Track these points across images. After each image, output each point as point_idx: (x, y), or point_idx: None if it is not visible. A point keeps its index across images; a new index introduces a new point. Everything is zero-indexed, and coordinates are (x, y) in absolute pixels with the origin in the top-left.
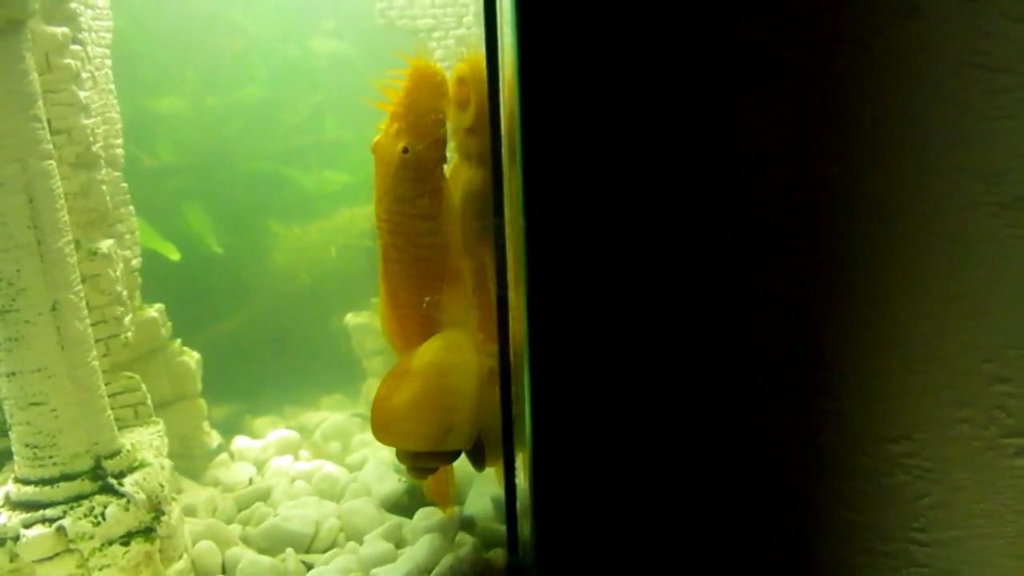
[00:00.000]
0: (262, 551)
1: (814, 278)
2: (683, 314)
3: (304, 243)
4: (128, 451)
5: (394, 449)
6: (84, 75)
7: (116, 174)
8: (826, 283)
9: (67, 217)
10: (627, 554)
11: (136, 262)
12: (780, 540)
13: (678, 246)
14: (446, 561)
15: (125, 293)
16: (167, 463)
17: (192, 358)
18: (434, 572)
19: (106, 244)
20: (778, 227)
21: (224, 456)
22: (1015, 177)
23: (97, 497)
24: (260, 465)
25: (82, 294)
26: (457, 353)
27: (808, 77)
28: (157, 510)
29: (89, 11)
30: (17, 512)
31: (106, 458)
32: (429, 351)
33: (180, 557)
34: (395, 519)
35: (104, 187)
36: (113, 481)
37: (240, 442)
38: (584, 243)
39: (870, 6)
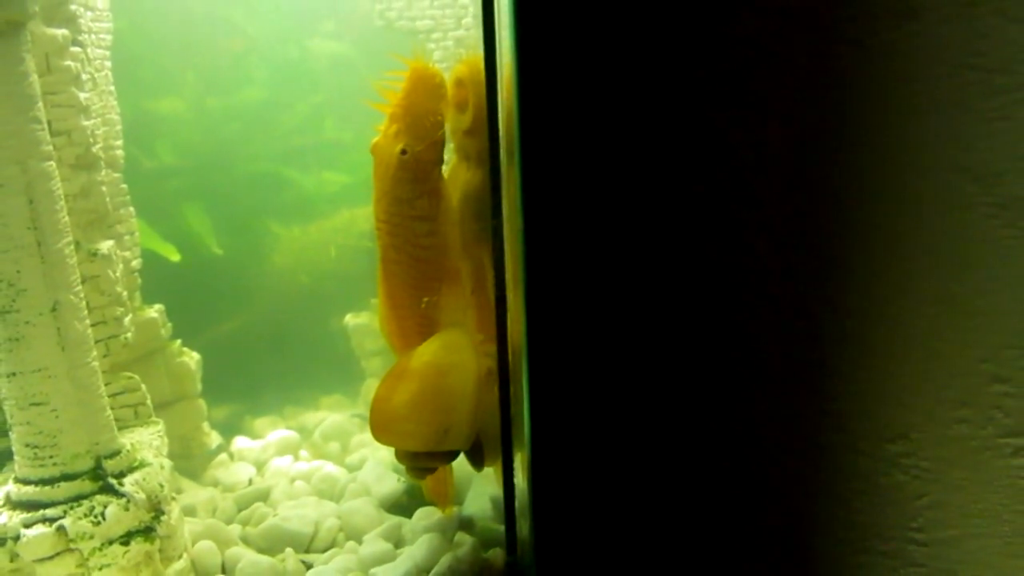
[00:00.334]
0: (262, 551)
1: (812, 279)
2: (681, 314)
3: (304, 244)
4: (128, 451)
5: (393, 449)
6: (84, 77)
7: (116, 175)
8: (824, 284)
9: (67, 218)
10: (625, 553)
11: (136, 263)
12: (778, 539)
13: (676, 247)
14: (445, 561)
15: (125, 294)
16: (167, 463)
17: (192, 359)
18: (433, 572)
19: (106, 245)
20: (776, 227)
21: (224, 456)
22: (1012, 178)
23: (97, 497)
24: (260, 465)
25: (82, 295)
26: (455, 353)
27: (806, 78)
28: (157, 510)
29: (89, 13)
30: (18, 512)
31: (106, 458)
32: (428, 352)
33: (180, 557)
34: (394, 519)
35: (104, 188)
36: (113, 481)
37: (240, 442)
38: (582, 244)
39: (868, 7)
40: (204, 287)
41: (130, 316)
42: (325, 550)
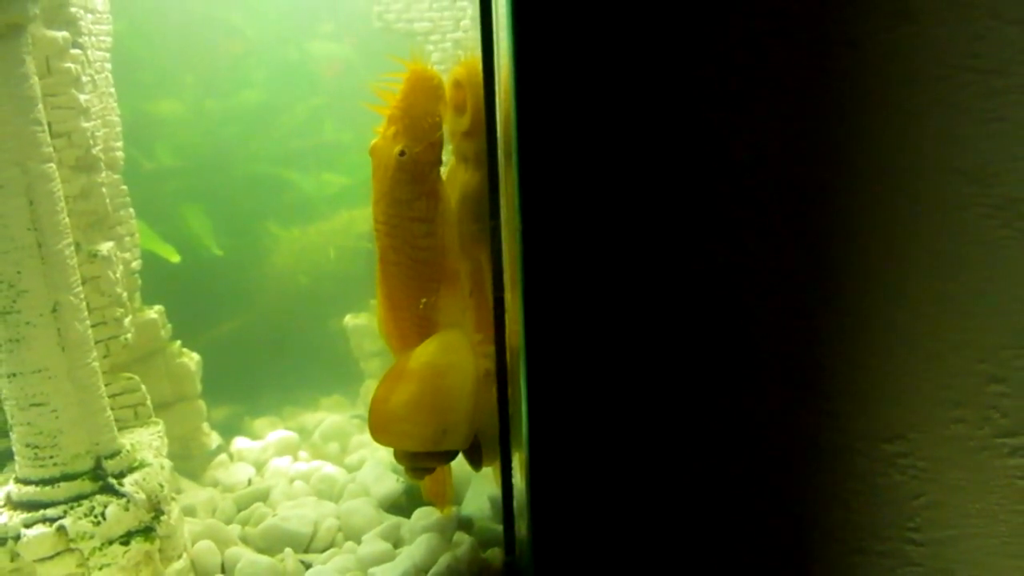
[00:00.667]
0: (261, 551)
1: (809, 279)
2: (679, 315)
3: (303, 245)
4: (128, 451)
5: (392, 450)
6: (84, 79)
7: (116, 177)
8: (821, 284)
9: (67, 220)
10: (623, 553)
11: (136, 264)
12: (776, 539)
13: (673, 248)
14: (443, 560)
15: (125, 295)
16: (167, 463)
17: (192, 359)
18: (431, 571)
19: (106, 246)
20: (774, 228)
21: (223, 457)
22: (1007, 179)
23: (97, 497)
24: (259, 466)
25: (82, 296)
26: (453, 354)
27: (802, 79)
28: (157, 510)
29: (89, 15)
30: (18, 512)
31: (106, 458)
32: (426, 352)
33: (179, 557)
34: (393, 519)
35: (104, 190)
36: (113, 481)
37: (239, 443)
38: (580, 245)
39: (864, 9)
40: (204, 288)
41: (130, 317)
42: (324, 550)
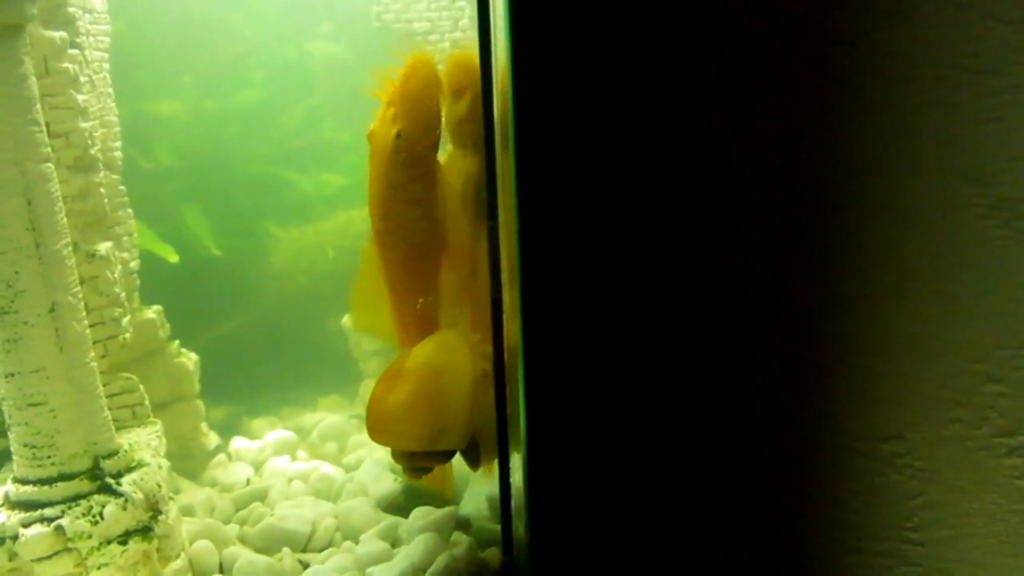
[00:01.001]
0: (259, 550)
1: (808, 280)
2: (677, 315)
3: (301, 245)
4: (126, 451)
5: (389, 449)
6: (82, 79)
7: (114, 177)
8: (819, 284)
9: (65, 220)
10: (621, 553)
11: (134, 264)
12: (774, 539)
13: (671, 248)
14: (441, 560)
15: (123, 295)
16: (164, 463)
17: (190, 359)
18: (429, 571)
19: (104, 246)
20: (772, 228)
21: (222, 456)
22: (1005, 179)
23: (95, 497)
24: (258, 465)
25: (80, 296)
26: (451, 354)
27: (799, 79)
28: (155, 509)
29: (87, 15)
30: (16, 512)
31: (104, 458)
32: (423, 352)
33: (177, 556)
34: (391, 519)
35: (102, 190)
36: (111, 481)
37: (238, 443)
38: (578, 245)
39: (861, 9)
40: (202, 288)
41: (128, 317)
42: (322, 549)
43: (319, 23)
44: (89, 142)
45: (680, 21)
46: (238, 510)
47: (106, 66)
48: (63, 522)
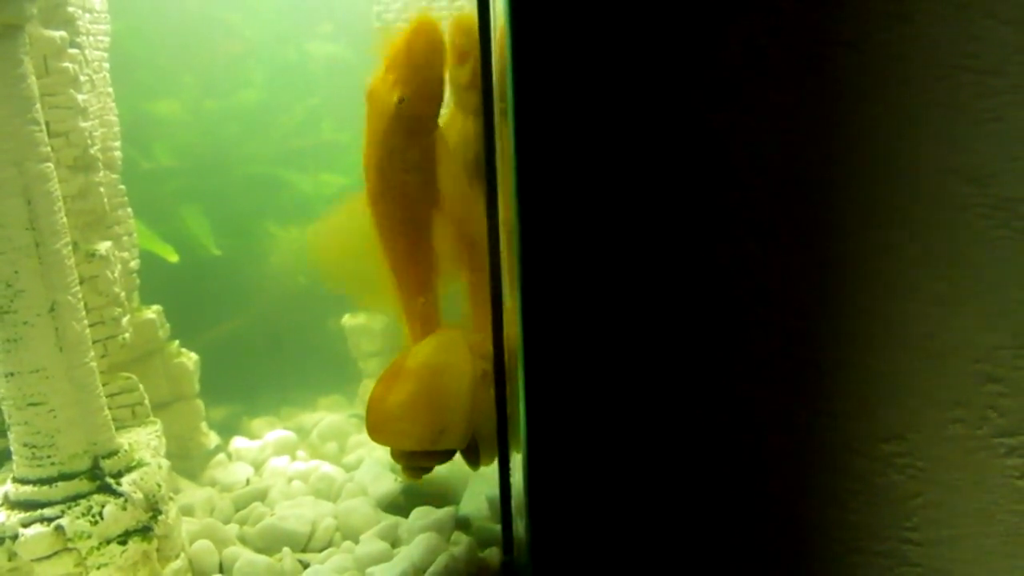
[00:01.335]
0: (259, 550)
1: (807, 279)
2: (677, 314)
3: (301, 245)
4: (126, 451)
5: (389, 449)
6: (82, 78)
7: (114, 176)
8: (819, 284)
9: (65, 219)
10: (621, 553)
11: (134, 264)
12: (773, 539)
13: (671, 247)
14: (441, 560)
15: (123, 294)
16: (164, 463)
17: (190, 359)
18: (429, 571)
19: (104, 246)
20: (771, 228)
21: (222, 456)
22: (1005, 179)
23: (95, 496)
24: (258, 465)
25: (80, 295)
26: (451, 353)
27: (799, 79)
28: (154, 509)
29: (87, 15)
30: (16, 511)
31: (104, 458)
32: (423, 351)
33: (177, 556)
34: (391, 518)
35: (102, 189)
36: (111, 481)
37: (238, 442)
38: (577, 244)
39: (861, 9)
40: (202, 288)
41: (128, 317)
42: (322, 549)
43: (319, 23)
44: (89, 142)
45: (681, 20)
46: (238, 510)
47: (106, 66)
48: (63, 522)
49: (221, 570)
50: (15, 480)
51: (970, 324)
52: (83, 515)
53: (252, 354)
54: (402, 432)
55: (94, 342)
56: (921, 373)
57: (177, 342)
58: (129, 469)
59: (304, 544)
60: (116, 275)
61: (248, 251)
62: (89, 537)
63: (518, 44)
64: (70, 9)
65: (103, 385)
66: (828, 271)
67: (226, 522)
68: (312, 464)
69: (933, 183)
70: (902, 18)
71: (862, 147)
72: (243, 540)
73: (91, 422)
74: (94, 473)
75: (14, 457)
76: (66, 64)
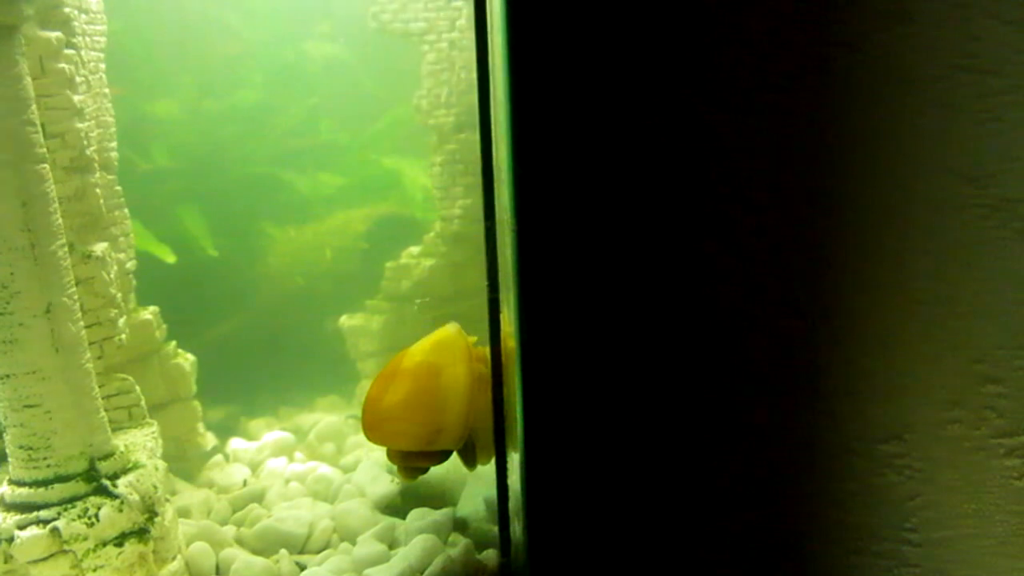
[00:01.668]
0: (256, 552)
1: (805, 279)
2: (674, 314)
3: (299, 245)
4: (122, 453)
5: (385, 450)
6: (78, 79)
7: (110, 177)
8: (817, 285)
9: (61, 221)
10: (618, 555)
11: (131, 265)
12: (771, 540)
13: (669, 249)
14: (438, 562)
15: (119, 296)
16: (161, 464)
17: (187, 360)
18: (426, 572)
19: (100, 247)
20: (769, 228)
21: (219, 458)
22: (1003, 179)
23: (91, 498)
24: (255, 466)
25: (76, 297)
26: (447, 353)
27: (798, 80)
28: (151, 511)
29: (83, 15)
30: (11, 514)
31: (100, 460)
32: (420, 351)
33: (174, 558)
34: (388, 520)
35: (98, 190)
36: (107, 483)
37: (235, 444)
38: (575, 245)
39: (860, 9)
40: (199, 289)
41: (124, 318)
42: (319, 551)
43: (317, 23)
44: (85, 143)
45: (679, 20)
46: (235, 511)
47: (102, 66)
48: (59, 524)
49: (218, 572)
50: (11, 482)
51: (968, 324)
52: (79, 517)
53: (250, 355)
54: (398, 432)
55: (90, 343)
56: (919, 373)
57: (174, 343)
58: (125, 471)
59: (301, 546)
60: (112, 276)
61: (246, 251)
62: (85, 539)
63: (515, 42)
64: (66, 10)
65: (99, 386)
66: (825, 271)
67: (223, 524)
68: (309, 465)
69: (932, 183)
70: (901, 18)
71: (860, 147)
72: (240, 542)
73: (87, 424)
74: (90, 475)
75: (10, 459)
76: (62, 65)
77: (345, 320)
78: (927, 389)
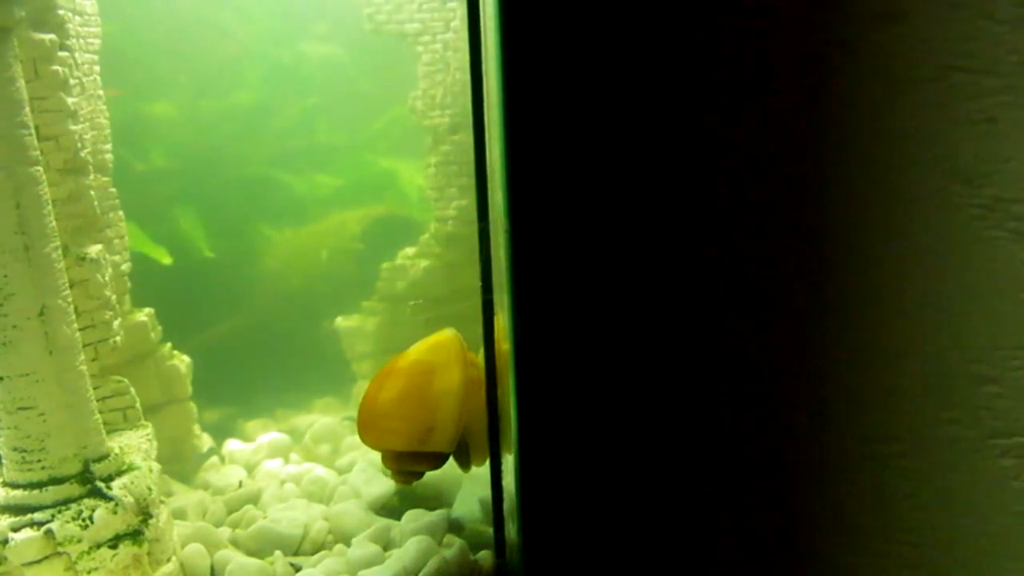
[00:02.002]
0: (251, 553)
1: (802, 280)
2: (671, 316)
3: (295, 247)
4: (117, 455)
5: (380, 456)
6: (72, 81)
7: (105, 179)
8: (814, 285)
9: (55, 223)
10: (614, 556)
11: (126, 267)
12: (769, 542)
13: (666, 250)
14: (433, 563)
15: (114, 298)
16: (155, 466)
17: (182, 362)
18: (421, 574)
19: (94, 249)
20: (766, 230)
21: (215, 459)
22: (998, 179)
23: (85, 500)
24: (251, 468)
25: (70, 299)
26: (443, 353)
27: (793, 80)
28: (145, 513)
29: (77, 17)
30: (6, 516)
31: (94, 462)
32: (415, 351)
33: (168, 560)
34: (383, 521)
35: (92, 192)
36: (101, 484)
37: (231, 445)
38: (571, 246)
39: (855, 9)
40: (195, 290)
41: (119, 320)
42: (314, 552)
43: (312, 24)
44: (79, 145)
45: (674, 20)
46: (230, 513)
47: (96, 68)
48: (53, 526)
49: (213, 573)
50: (5, 484)
51: (965, 325)
52: (73, 519)
53: (246, 356)
54: (391, 430)
55: (85, 345)
56: (916, 374)
57: (169, 344)
58: (120, 473)
59: (296, 547)
60: (107, 278)
61: (242, 253)
62: (79, 541)
63: (508, 43)
64: (60, 12)
65: (94, 388)
66: (823, 271)
67: (218, 525)
68: (305, 467)
69: (926, 184)
70: (895, 18)
71: (855, 148)
72: (235, 543)
73: (81, 426)
74: (84, 477)
75: (4, 461)
76: (56, 67)
77: (341, 321)
78: (924, 390)
